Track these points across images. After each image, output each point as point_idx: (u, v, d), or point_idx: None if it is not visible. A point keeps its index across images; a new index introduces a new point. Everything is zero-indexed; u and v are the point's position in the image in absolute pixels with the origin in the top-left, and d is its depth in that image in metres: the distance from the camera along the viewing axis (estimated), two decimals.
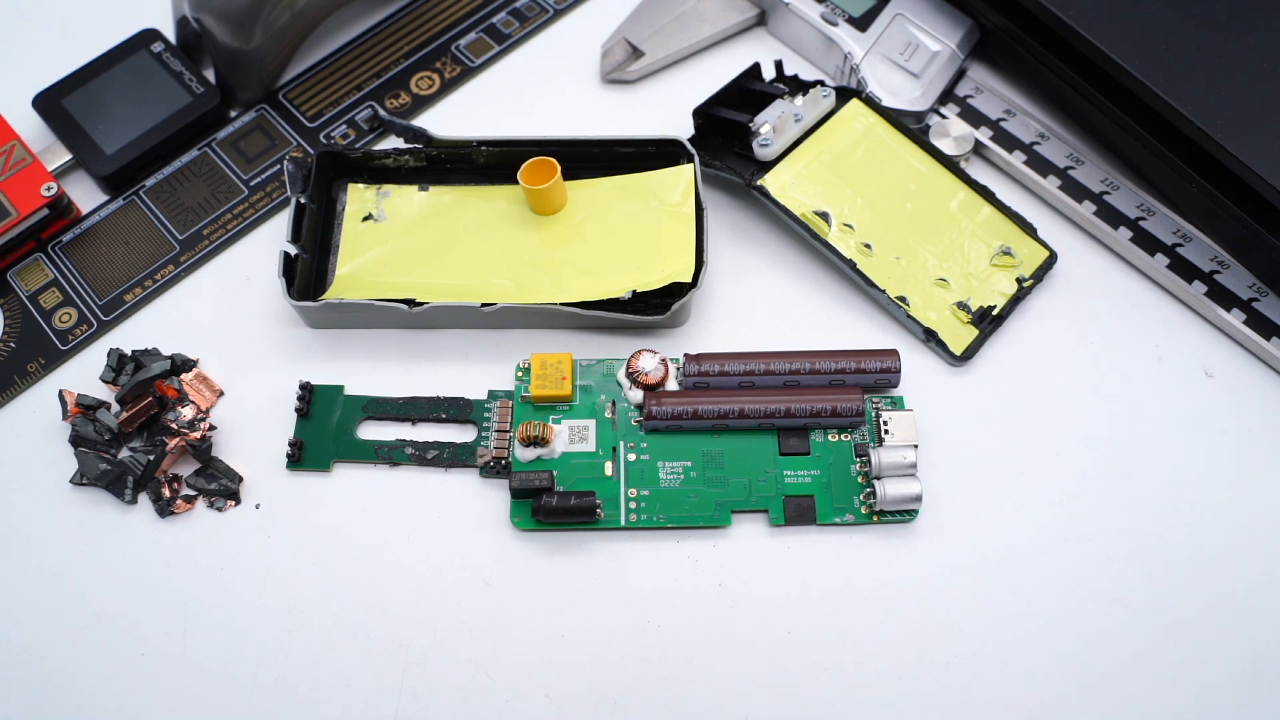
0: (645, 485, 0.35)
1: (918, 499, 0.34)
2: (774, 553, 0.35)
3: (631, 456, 0.36)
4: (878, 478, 0.35)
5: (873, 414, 0.37)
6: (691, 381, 0.36)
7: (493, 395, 0.38)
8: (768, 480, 0.35)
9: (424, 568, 0.35)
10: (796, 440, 0.36)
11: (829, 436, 0.36)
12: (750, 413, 0.35)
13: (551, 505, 0.34)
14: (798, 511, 0.35)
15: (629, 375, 0.36)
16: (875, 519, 0.35)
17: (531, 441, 0.35)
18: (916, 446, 0.35)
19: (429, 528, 0.36)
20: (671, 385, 0.37)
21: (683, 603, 0.34)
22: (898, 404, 0.37)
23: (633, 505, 0.35)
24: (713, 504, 0.35)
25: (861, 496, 0.35)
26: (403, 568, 0.35)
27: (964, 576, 0.35)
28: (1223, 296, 0.39)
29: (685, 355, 0.37)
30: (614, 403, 0.37)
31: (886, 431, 0.36)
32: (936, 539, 0.35)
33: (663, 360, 0.36)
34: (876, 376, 0.36)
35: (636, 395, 0.36)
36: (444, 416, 0.37)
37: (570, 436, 0.36)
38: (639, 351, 0.36)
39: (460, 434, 0.38)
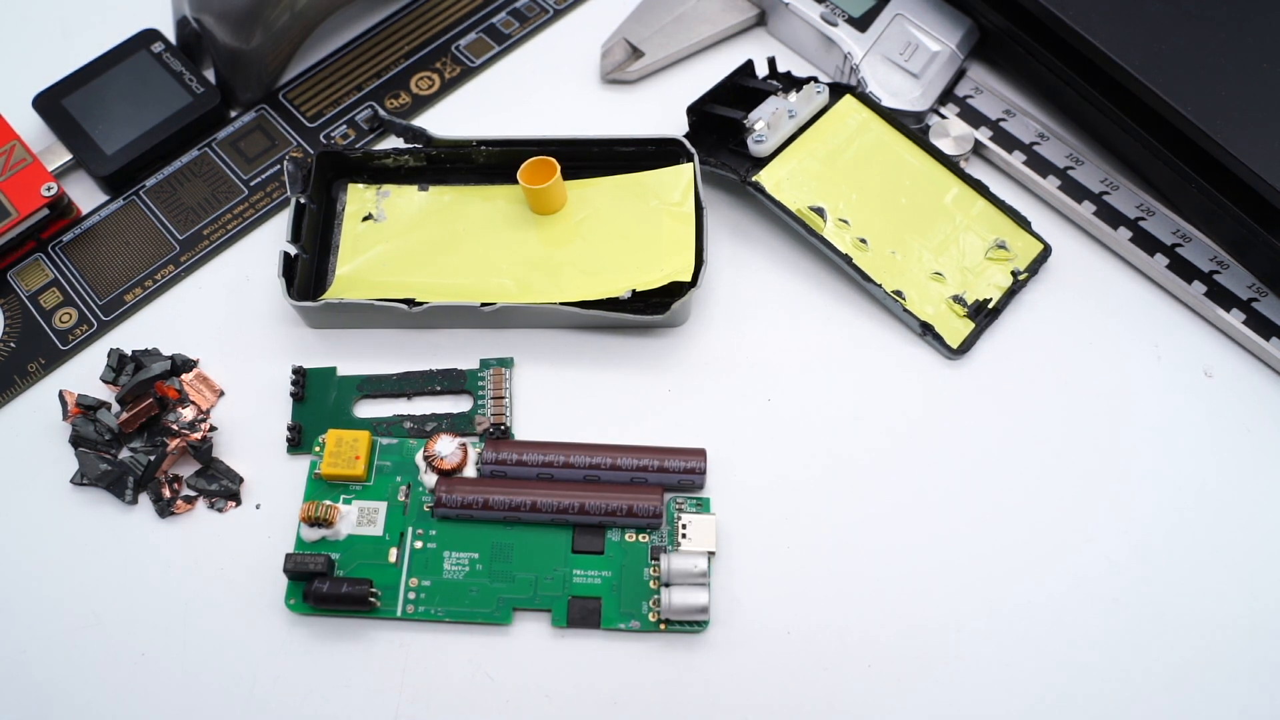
0: (428, 575, 0.34)
1: (704, 610, 0.33)
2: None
3: (418, 544, 0.34)
4: (666, 584, 0.33)
5: (675, 515, 0.35)
6: (488, 470, 0.35)
7: (485, 364, 0.38)
8: (555, 579, 0.34)
9: None
10: (591, 538, 0.34)
11: (626, 536, 0.35)
12: (543, 506, 0.34)
13: (322, 592, 0.33)
14: (581, 614, 0.33)
15: (425, 459, 0.35)
16: (663, 627, 0.33)
17: (315, 522, 0.34)
18: (712, 554, 0.34)
19: None
20: (470, 471, 0.36)
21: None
22: (704, 506, 0.35)
23: (411, 596, 0.34)
24: (494, 600, 0.34)
25: (650, 603, 0.34)
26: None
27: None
28: (1223, 296, 0.39)
29: (486, 441, 0.36)
30: (409, 485, 0.36)
31: (684, 536, 0.34)
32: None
33: (462, 445, 0.35)
34: (680, 477, 0.35)
35: (431, 480, 0.35)
36: (439, 388, 0.38)
37: (359, 518, 0.35)
38: (439, 434, 0.36)
39: (456, 404, 0.38)
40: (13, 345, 0.40)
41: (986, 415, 0.38)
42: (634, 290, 0.37)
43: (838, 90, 0.42)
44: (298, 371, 0.38)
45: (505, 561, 0.34)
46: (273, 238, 0.42)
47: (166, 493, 0.36)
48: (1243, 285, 0.39)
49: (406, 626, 0.34)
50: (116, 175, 0.42)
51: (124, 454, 0.37)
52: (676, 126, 0.42)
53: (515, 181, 0.40)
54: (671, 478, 0.35)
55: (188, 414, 0.37)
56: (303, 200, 0.40)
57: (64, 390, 0.38)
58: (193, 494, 0.36)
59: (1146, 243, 0.40)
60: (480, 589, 0.34)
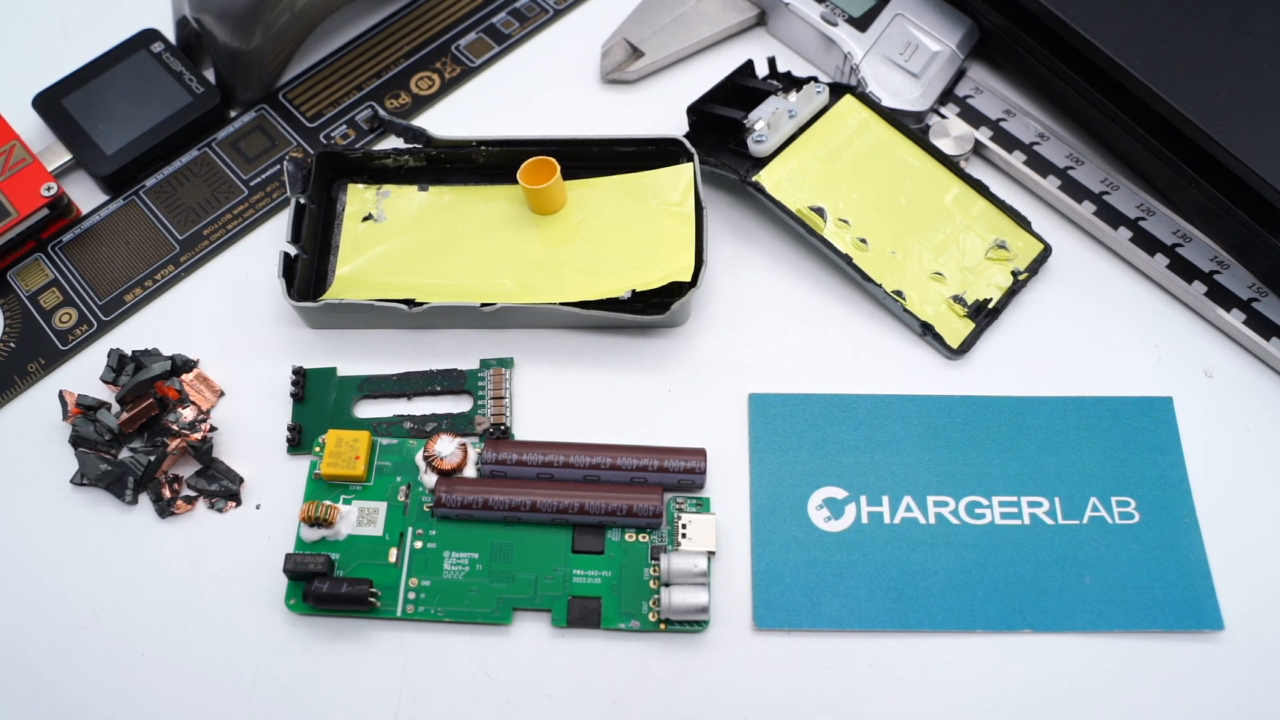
0: (428, 575, 0.34)
1: (704, 610, 0.33)
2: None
3: (418, 544, 0.34)
4: (666, 584, 0.33)
5: (675, 515, 0.35)
6: (488, 470, 0.35)
7: (485, 364, 0.38)
8: (555, 579, 0.34)
9: None
10: (591, 538, 0.34)
11: (626, 536, 0.34)
12: (543, 506, 0.34)
13: (322, 592, 0.33)
14: (582, 614, 0.33)
15: (425, 459, 0.35)
16: (662, 627, 0.33)
17: (315, 522, 0.34)
18: (712, 553, 0.34)
19: None
20: (470, 471, 0.36)
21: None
22: (704, 506, 0.35)
23: (411, 596, 0.34)
24: (494, 600, 0.34)
25: (650, 603, 0.34)
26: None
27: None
28: (1223, 296, 0.39)
29: (486, 441, 0.36)
30: (409, 486, 0.35)
31: (684, 535, 0.34)
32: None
33: (462, 445, 0.35)
34: (680, 476, 0.35)
35: (431, 480, 0.35)
36: (439, 389, 0.38)
37: (359, 518, 0.35)
38: (439, 434, 0.35)
39: (456, 404, 0.38)
40: (13, 345, 0.40)
41: None
42: (634, 290, 0.37)
43: (838, 90, 0.42)
44: (298, 372, 0.38)
45: (505, 561, 0.34)
46: (273, 238, 0.42)
47: (166, 493, 0.36)
48: (1243, 285, 0.39)
49: (406, 626, 0.34)
50: (116, 175, 0.42)
51: (124, 454, 0.37)
52: (676, 126, 0.42)
53: (515, 181, 0.40)
54: (671, 478, 0.35)
55: (188, 414, 0.37)
56: (303, 200, 0.40)
57: (64, 390, 0.38)
58: (193, 494, 0.36)
59: (1146, 243, 0.40)
60: (480, 589, 0.34)
